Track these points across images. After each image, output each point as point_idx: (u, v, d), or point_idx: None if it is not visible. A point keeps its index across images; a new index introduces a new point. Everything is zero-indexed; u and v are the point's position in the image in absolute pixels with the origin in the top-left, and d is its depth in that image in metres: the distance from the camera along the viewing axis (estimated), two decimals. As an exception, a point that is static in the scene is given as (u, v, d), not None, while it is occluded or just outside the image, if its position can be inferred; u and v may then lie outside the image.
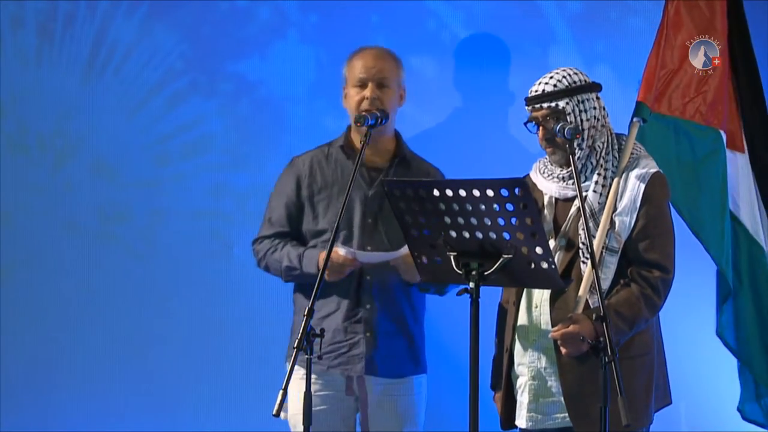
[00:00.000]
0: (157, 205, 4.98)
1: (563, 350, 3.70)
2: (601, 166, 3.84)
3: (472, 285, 3.50)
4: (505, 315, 3.93)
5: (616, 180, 3.83)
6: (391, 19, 4.94)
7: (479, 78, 4.89)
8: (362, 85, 4.17)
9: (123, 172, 4.98)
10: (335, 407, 4.15)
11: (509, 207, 3.43)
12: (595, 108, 3.84)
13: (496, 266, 3.48)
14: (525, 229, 3.45)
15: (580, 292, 3.76)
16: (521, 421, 3.85)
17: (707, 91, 4.30)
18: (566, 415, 3.77)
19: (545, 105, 3.81)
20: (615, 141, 3.89)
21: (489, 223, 3.47)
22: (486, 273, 3.49)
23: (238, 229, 4.89)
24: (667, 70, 4.26)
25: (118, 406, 4.93)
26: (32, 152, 5.00)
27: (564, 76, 3.83)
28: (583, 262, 3.77)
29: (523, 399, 3.85)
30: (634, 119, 4.11)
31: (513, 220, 3.44)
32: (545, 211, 3.86)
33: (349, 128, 4.30)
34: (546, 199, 3.88)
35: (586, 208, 3.81)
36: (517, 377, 3.88)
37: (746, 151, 4.43)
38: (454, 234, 3.52)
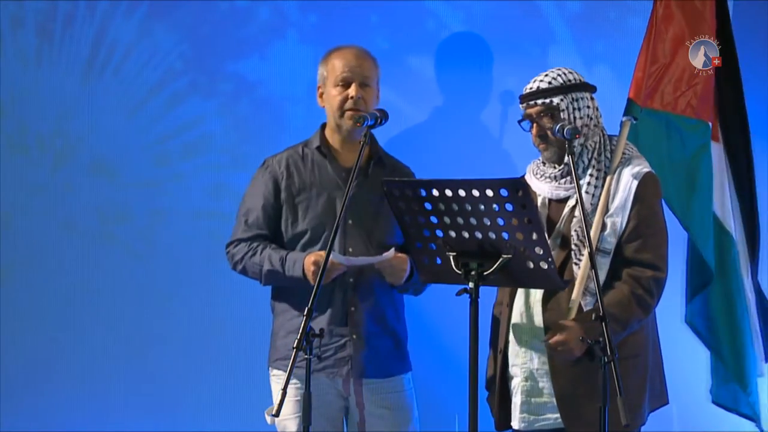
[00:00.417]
0: (157, 205, 4.98)
1: (557, 349, 3.71)
2: (593, 166, 3.85)
3: (471, 285, 3.50)
4: (498, 316, 3.93)
5: (608, 179, 3.83)
6: (391, 19, 4.94)
7: (479, 78, 4.89)
8: (345, 84, 4.14)
9: (123, 172, 4.98)
10: (322, 411, 4.10)
11: (509, 207, 3.43)
12: (588, 107, 3.86)
13: (495, 266, 3.49)
14: (524, 229, 3.45)
15: (573, 296, 3.77)
16: (515, 422, 3.86)
17: (698, 83, 4.31)
18: (558, 415, 3.78)
19: (539, 102, 3.84)
20: (608, 141, 3.90)
21: (488, 223, 3.47)
22: (485, 273, 3.50)
23: (238, 229, 4.90)
24: (658, 65, 4.27)
25: (118, 406, 4.93)
26: (32, 152, 5.00)
27: (559, 74, 3.86)
28: (575, 264, 3.77)
29: (516, 400, 3.86)
30: (624, 118, 4.11)
31: (512, 220, 3.44)
32: (539, 212, 3.86)
33: (322, 128, 4.26)
34: (540, 200, 3.88)
35: (578, 209, 3.82)
36: (511, 378, 3.89)
37: (721, 140, 4.45)
38: (453, 234, 3.53)
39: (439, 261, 3.60)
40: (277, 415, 3.60)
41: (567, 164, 3.83)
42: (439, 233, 3.56)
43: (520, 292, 3.87)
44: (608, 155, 3.88)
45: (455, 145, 4.85)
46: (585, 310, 3.76)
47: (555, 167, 3.87)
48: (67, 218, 4.98)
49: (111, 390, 4.93)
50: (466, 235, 3.51)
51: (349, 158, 4.16)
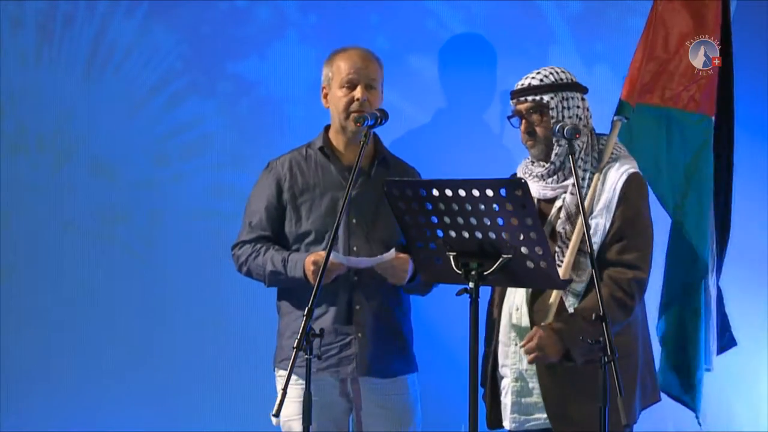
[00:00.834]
0: (157, 205, 4.98)
1: (529, 358, 3.73)
2: (580, 167, 3.86)
3: (471, 285, 3.50)
4: (492, 315, 3.94)
5: (595, 178, 3.84)
6: (391, 19, 4.93)
7: (479, 78, 4.89)
8: (351, 86, 4.15)
9: (122, 172, 4.98)
10: (327, 411, 4.12)
11: (509, 207, 3.43)
12: (578, 107, 3.88)
13: (495, 266, 3.49)
14: (524, 229, 3.45)
15: (551, 299, 3.78)
16: (507, 422, 3.88)
17: (702, 78, 4.29)
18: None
19: (530, 98, 3.87)
20: (596, 142, 3.91)
21: (488, 223, 3.47)
22: (485, 273, 3.50)
23: (238, 229, 4.88)
24: (657, 61, 4.25)
25: (118, 406, 4.93)
26: (32, 152, 5.00)
27: (551, 72, 3.89)
28: (558, 265, 3.77)
29: (507, 401, 3.88)
30: (616, 118, 4.10)
31: (512, 220, 3.44)
32: None
33: (326, 129, 4.27)
34: None
35: (563, 210, 3.83)
36: (502, 378, 3.91)
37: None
38: (453, 234, 3.53)
39: (439, 261, 3.60)
40: (276, 415, 3.60)
41: (553, 162, 3.86)
42: (439, 233, 3.56)
43: (509, 293, 3.90)
44: (596, 155, 3.89)
45: (454, 144, 4.85)
46: (570, 311, 3.77)
47: (543, 165, 3.88)
48: (68, 218, 4.98)
49: (111, 390, 4.93)
50: (466, 235, 3.51)
51: (353, 159, 4.16)
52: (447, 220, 3.52)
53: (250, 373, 4.85)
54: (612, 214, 3.81)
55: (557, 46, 4.90)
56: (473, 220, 3.48)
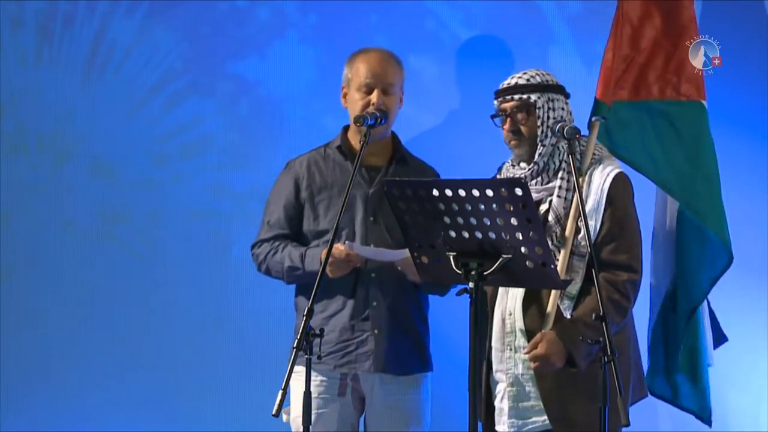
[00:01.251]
0: (157, 205, 4.98)
1: (533, 365, 3.73)
2: (564, 169, 3.86)
3: (471, 285, 3.50)
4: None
5: (580, 181, 3.83)
6: (391, 18, 4.94)
7: (478, 78, 4.88)
8: (368, 90, 4.17)
9: (122, 172, 4.98)
10: (338, 410, 4.14)
11: (508, 207, 3.43)
12: (563, 110, 3.91)
13: (495, 266, 3.48)
14: (524, 229, 3.45)
15: (549, 306, 3.78)
16: (502, 426, 3.87)
17: (681, 64, 4.26)
18: (546, 418, 3.80)
19: (516, 96, 3.89)
20: (577, 144, 3.91)
21: (488, 223, 3.47)
22: (485, 273, 3.49)
23: (238, 230, 4.90)
24: (627, 59, 4.21)
25: (118, 405, 4.93)
26: (32, 152, 5.00)
27: (537, 74, 3.91)
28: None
29: (503, 405, 3.87)
30: (594, 118, 4.09)
31: (512, 220, 3.44)
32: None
33: (345, 129, 4.30)
34: None
35: (551, 213, 3.83)
36: (496, 383, 3.90)
37: None
38: (453, 234, 3.52)
39: (439, 261, 3.60)
40: (276, 415, 3.60)
41: (536, 163, 3.87)
42: (439, 233, 3.56)
43: (500, 298, 3.90)
44: (578, 157, 3.90)
45: (455, 145, 4.85)
46: (565, 314, 3.78)
47: (525, 168, 3.89)
48: (68, 218, 4.98)
49: (111, 390, 4.93)
50: (466, 235, 3.51)
51: (370, 158, 4.19)
52: (447, 220, 3.51)
53: (250, 373, 4.85)
54: (601, 216, 3.82)
55: (557, 46, 4.90)
56: (473, 220, 3.48)
